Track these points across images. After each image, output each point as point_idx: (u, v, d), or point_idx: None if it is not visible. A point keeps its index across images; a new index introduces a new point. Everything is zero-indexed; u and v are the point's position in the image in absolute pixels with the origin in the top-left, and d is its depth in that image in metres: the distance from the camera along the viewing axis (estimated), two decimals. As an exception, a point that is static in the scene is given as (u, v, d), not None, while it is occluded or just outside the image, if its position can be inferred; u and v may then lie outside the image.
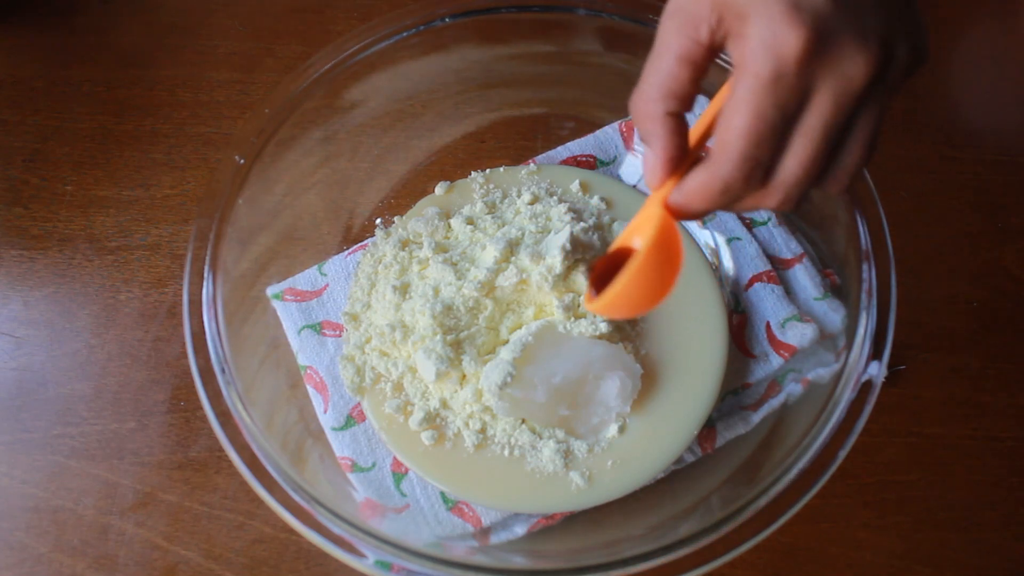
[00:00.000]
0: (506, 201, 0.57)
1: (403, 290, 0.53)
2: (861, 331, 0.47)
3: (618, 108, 0.61)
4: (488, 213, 0.56)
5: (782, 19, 0.30)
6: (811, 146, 0.33)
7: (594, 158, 0.61)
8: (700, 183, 0.35)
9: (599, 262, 0.43)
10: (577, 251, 0.51)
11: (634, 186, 0.60)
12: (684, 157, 0.36)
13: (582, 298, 0.51)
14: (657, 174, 0.36)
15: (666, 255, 0.38)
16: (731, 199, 0.35)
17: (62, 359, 0.57)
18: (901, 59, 0.32)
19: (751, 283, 0.55)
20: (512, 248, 0.52)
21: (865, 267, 0.49)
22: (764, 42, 0.31)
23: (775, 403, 0.52)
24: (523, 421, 0.50)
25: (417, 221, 0.56)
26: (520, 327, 0.51)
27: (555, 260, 0.50)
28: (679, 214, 0.37)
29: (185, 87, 0.68)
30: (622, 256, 0.41)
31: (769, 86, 0.31)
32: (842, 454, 0.44)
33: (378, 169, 0.62)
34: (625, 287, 0.39)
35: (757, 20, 0.31)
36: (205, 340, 0.48)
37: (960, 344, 0.58)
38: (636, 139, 0.61)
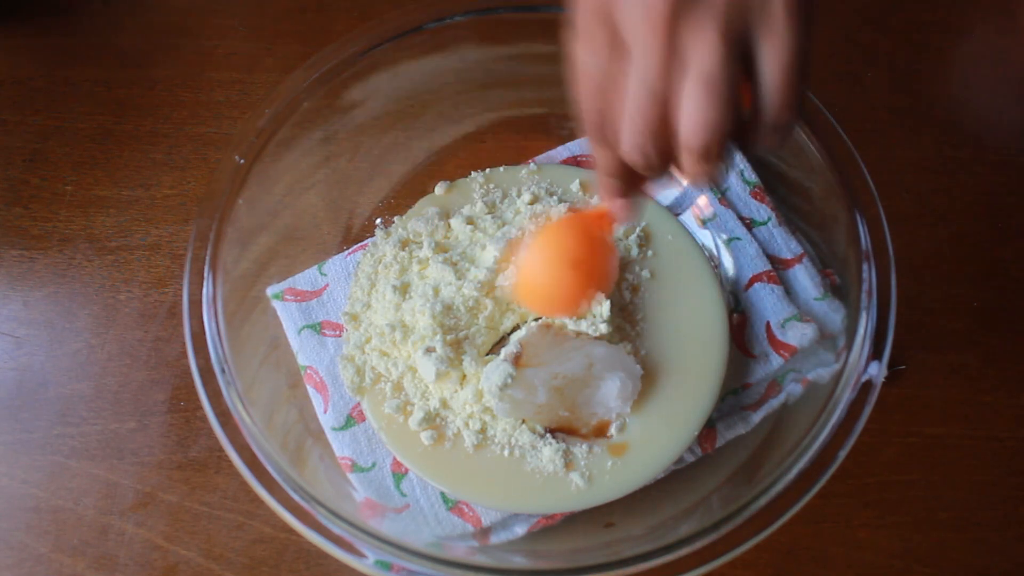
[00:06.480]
0: (506, 201, 0.57)
1: (403, 290, 0.53)
2: (861, 331, 0.47)
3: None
4: (488, 213, 0.56)
5: None
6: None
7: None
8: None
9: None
10: (577, 251, 0.51)
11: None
12: None
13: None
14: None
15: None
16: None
17: (62, 359, 0.57)
18: None
19: (751, 283, 0.55)
20: (512, 248, 0.52)
21: (865, 267, 0.49)
22: None
23: (775, 403, 0.52)
24: (523, 421, 0.50)
25: (417, 221, 0.56)
26: (520, 327, 0.51)
27: (555, 260, 0.49)
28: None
29: (185, 87, 0.68)
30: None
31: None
32: (842, 454, 0.44)
33: (378, 169, 0.62)
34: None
35: None
36: (205, 340, 0.48)
37: (960, 344, 0.58)
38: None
